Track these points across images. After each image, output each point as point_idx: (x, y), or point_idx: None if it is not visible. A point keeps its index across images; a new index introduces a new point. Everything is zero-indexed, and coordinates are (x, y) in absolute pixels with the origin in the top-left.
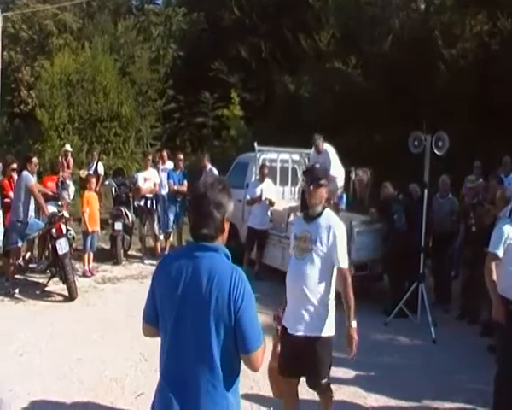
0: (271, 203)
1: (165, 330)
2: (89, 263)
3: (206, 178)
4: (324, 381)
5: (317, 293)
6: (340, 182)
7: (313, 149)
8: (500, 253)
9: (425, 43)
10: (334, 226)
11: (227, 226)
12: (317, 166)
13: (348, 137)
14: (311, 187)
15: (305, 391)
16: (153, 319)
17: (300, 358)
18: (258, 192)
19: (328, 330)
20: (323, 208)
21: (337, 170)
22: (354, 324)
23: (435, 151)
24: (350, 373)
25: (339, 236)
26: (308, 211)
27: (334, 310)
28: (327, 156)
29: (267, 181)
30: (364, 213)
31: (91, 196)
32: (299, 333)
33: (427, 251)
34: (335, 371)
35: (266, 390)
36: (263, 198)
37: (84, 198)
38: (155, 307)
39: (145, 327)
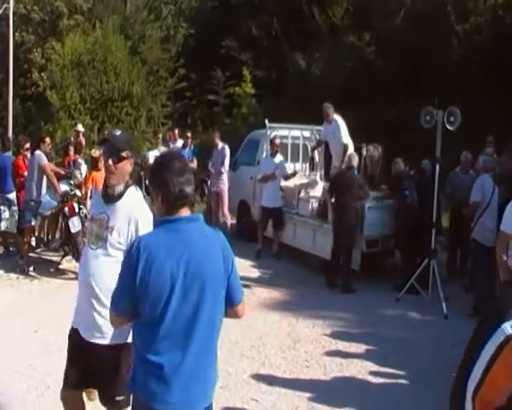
0: (289, 177)
1: (153, 314)
2: None
3: (171, 151)
4: (121, 398)
5: (109, 294)
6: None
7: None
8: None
9: (437, 17)
10: (136, 213)
11: None
12: (118, 133)
13: (360, 114)
14: (110, 161)
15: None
16: (128, 308)
17: (94, 367)
18: (271, 168)
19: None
20: (126, 187)
21: (348, 141)
22: None
23: (447, 126)
24: (361, 348)
25: (142, 227)
26: (107, 189)
27: None
28: (336, 125)
29: (279, 156)
30: (375, 190)
31: (98, 175)
32: (97, 341)
33: (438, 227)
34: (347, 347)
35: (278, 366)
36: (276, 174)
37: (90, 177)
38: (133, 295)
39: (116, 319)
